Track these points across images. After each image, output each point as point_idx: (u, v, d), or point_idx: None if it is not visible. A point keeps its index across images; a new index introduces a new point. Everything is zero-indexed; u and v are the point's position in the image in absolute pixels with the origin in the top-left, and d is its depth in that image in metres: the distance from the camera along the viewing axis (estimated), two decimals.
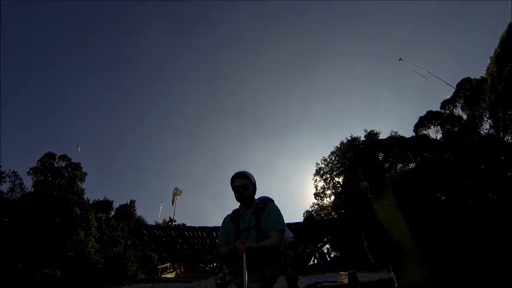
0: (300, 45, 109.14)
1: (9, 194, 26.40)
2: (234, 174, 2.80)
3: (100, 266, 25.34)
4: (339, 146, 30.98)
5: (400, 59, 26.63)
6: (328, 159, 31.82)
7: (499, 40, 17.81)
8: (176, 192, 33.50)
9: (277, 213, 2.63)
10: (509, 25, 16.92)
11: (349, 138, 29.94)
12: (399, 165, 24.16)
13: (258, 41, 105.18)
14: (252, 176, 2.83)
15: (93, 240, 26.38)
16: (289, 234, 2.76)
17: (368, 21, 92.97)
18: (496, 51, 18.02)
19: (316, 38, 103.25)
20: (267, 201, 2.75)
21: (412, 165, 23.46)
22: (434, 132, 24.72)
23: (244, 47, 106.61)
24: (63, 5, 79.79)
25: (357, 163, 2.58)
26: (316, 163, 32.68)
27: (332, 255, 28.17)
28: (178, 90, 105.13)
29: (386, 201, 2.36)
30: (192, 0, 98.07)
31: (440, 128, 24.13)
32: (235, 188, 2.74)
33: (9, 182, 27.13)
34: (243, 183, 2.71)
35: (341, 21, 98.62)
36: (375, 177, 2.45)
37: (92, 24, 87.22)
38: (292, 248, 2.65)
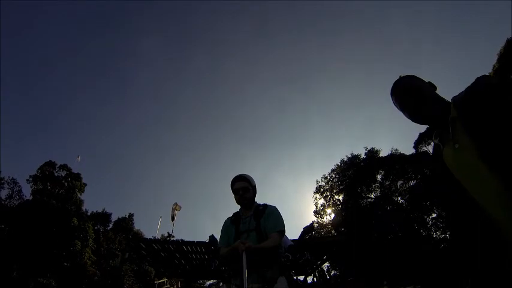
0: (300, 60, 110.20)
1: (7, 200, 26.37)
2: (235, 177, 2.84)
3: (96, 278, 24.96)
4: (339, 163, 30.94)
5: (400, 76, 26.91)
6: (329, 177, 31.69)
7: (497, 56, 18.03)
8: (175, 208, 33.15)
9: (277, 215, 2.65)
10: (507, 41, 17.13)
11: (350, 155, 29.93)
12: (400, 182, 24.10)
13: (258, 53, 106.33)
14: (252, 179, 2.87)
15: (89, 251, 26.06)
16: (288, 240, 2.77)
17: (368, 36, 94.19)
18: (494, 66, 18.20)
19: (316, 52, 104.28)
20: (267, 204, 2.78)
21: (412, 182, 23.42)
22: None
23: (242, 59, 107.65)
24: (64, 8, 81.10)
25: (392, 95, 1.56)
26: (317, 181, 32.53)
27: (332, 274, 27.71)
28: (178, 101, 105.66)
29: (457, 144, 1.31)
30: (193, 11, 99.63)
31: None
32: (235, 191, 2.78)
33: (7, 188, 27.17)
34: (243, 186, 2.75)
35: (342, 36, 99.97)
36: (421, 108, 1.43)
37: (92, 33, 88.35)
38: (291, 251, 2.66)
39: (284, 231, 2.59)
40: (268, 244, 2.39)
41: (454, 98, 1.38)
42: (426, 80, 1.52)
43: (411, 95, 1.47)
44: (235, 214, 2.84)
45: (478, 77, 1.33)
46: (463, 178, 1.33)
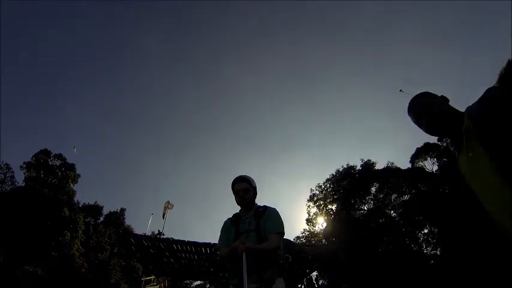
0: (300, 63, 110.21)
1: None
2: (235, 178, 2.84)
3: (83, 270, 24.73)
4: (334, 173, 30.94)
5: (400, 91, 26.92)
6: (323, 186, 31.67)
7: (497, 76, 18.02)
8: (168, 206, 32.92)
9: (277, 217, 2.67)
10: (508, 62, 17.12)
11: (345, 166, 29.95)
12: (394, 196, 24.17)
13: (258, 54, 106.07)
14: (253, 180, 2.88)
15: (78, 243, 25.82)
16: None
17: (367, 52, 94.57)
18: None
19: (317, 61, 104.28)
20: (267, 206, 2.79)
21: (406, 196, 23.50)
22: (430, 164, 24.89)
23: (241, 60, 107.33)
24: (64, 5, 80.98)
25: (409, 112, 1.65)
26: (311, 189, 32.51)
27: (320, 283, 27.64)
28: (175, 99, 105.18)
29: (471, 153, 1.36)
30: (192, 8, 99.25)
31: (437, 160, 24.30)
32: (236, 192, 2.78)
33: (0, 173, 26.98)
34: (243, 187, 2.76)
35: (341, 44, 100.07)
36: (434, 123, 1.51)
37: (91, 23, 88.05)
38: None
39: (283, 232, 2.60)
40: (269, 245, 2.40)
41: (467, 109, 1.45)
42: (439, 94, 1.64)
43: (425, 112, 1.57)
44: (235, 215, 2.85)
45: (488, 88, 1.38)
46: (475, 185, 1.39)
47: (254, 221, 2.63)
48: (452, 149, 1.58)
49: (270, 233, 2.51)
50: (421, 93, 1.66)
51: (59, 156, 31.96)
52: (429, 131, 1.59)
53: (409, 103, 1.67)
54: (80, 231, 26.58)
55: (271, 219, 2.61)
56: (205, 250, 17.13)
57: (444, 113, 1.51)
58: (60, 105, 76.78)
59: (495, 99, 1.31)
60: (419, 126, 1.63)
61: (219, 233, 2.87)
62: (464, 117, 1.42)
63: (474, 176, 1.39)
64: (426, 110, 1.56)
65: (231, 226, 2.76)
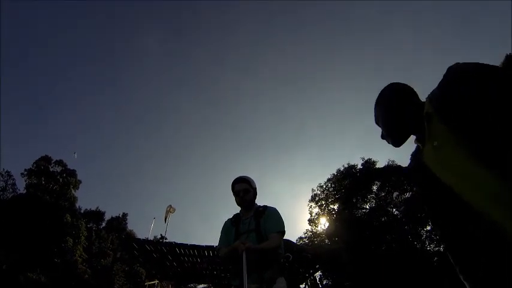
0: (300, 65, 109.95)
1: (0, 193, 26.23)
2: (235, 179, 2.83)
3: (86, 276, 24.73)
4: (335, 173, 30.86)
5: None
6: (325, 186, 31.58)
7: None
8: (169, 210, 32.90)
9: (277, 217, 2.65)
10: (506, 56, 16.92)
11: (346, 166, 29.88)
12: (395, 194, 24.14)
13: (258, 55, 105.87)
14: (253, 181, 2.87)
15: (81, 249, 25.83)
16: None
17: (367, 52, 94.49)
18: None
19: (317, 58, 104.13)
20: (267, 206, 2.78)
21: (408, 194, 23.45)
22: None
23: (242, 61, 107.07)
24: (64, 5, 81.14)
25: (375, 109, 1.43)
26: (312, 189, 32.42)
27: (324, 283, 27.58)
28: (175, 102, 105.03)
29: (435, 142, 1.14)
30: (192, 8, 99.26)
31: None
32: (236, 193, 2.77)
33: (1, 181, 27.02)
34: (243, 188, 2.75)
35: (341, 44, 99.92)
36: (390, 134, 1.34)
37: (91, 23, 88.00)
38: None
39: (284, 232, 2.58)
40: (269, 245, 2.39)
41: (428, 95, 1.22)
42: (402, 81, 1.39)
43: (382, 123, 1.40)
44: (235, 215, 2.84)
45: (449, 66, 1.18)
46: (448, 177, 1.13)
47: (254, 221, 2.62)
48: (416, 142, 1.32)
49: (270, 232, 2.50)
50: (386, 87, 1.41)
51: (59, 163, 32.01)
52: (393, 143, 1.38)
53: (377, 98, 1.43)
54: (82, 237, 26.60)
55: (271, 218, 2.60)
56: (208, 253, 17.09)
57: (398, 117, 1.31)
58: (60, 108, 76.94)
59: (458, 75, 1.10)
60: (378, 124, 1.43)
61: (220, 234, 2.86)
62: (426, 103, 1.20)
63: (444, 168, 1.14)
64: (381, 121, 1.38)
65: (231, 227, 2.75)
